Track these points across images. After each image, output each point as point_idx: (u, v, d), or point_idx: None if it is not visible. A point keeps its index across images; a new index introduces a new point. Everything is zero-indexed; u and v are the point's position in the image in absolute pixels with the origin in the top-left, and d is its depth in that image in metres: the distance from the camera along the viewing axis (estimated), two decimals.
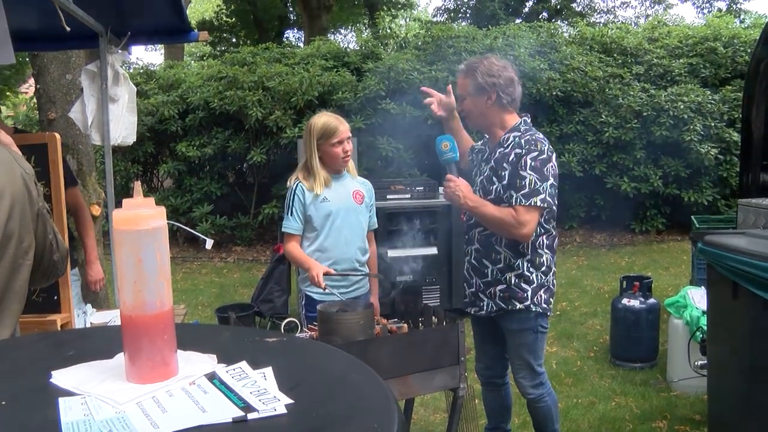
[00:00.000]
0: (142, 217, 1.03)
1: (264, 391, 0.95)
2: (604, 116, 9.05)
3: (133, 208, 1.05)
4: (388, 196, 6.01)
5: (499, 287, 2.83)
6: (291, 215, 3.17)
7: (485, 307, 2.88)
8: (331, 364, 1.10)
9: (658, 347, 4.62)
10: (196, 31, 3.69)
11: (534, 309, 2.81)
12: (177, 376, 1.02)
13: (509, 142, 2.82)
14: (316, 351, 1.20)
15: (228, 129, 9.40)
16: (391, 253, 6.03)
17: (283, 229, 3.18)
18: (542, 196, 2.68)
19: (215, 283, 7.78)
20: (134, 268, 1.01)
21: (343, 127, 3.14)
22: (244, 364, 1.05)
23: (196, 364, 1.07)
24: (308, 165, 3.22)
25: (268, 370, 1.03)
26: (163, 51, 21.15)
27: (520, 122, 2.88)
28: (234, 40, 23.68)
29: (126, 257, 1.02)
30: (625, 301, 4.58)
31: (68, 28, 2.49)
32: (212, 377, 1.02)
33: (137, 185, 1.10)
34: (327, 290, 2.87)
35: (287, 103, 8.95)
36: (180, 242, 9.52)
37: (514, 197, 2.69)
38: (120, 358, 1.08)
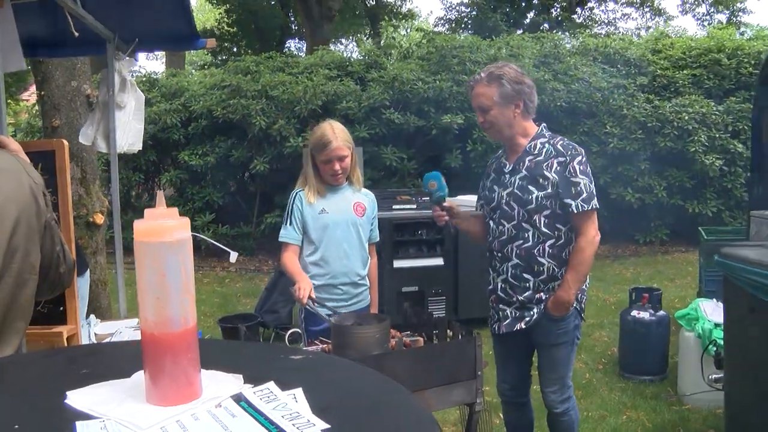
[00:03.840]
0: (166, 229, 0.98)
1: (297, 414, 0.90)
2: (608, 127, 9.01)
3: (156, 218, 1.00)
4: (394, 207, 5.96)
5: (546, 296, 2.76)
6: (289, 224, 3.11)
7: (531, 318, 2.79)
8: (362, 384, 1.04)
9: (668, 360, 4.55)
10: (203, 39, 3.65)
11: (577, 307, 2.80)
12: (202, 397, 0.97)
13: (539, 149, 2.76)
14: (345, 370, 1.14)
15: (231, 138, 9.35)
16: (397, 263, 5.99)
17: (280, 239, 3.12)
18: (595, 199, 2.72)
19: (217, 292, 7.71)
20: (157, 283, 0.96)
21: (336, 144, 3.00)
22: (272, 385, 1.00)
23: (221, 384, 1.01)
24: (305, 173, 3.17)
25: (299, 392, 0.97)
26: (164, 60, 21.18)
27: (541, 128, 2.83)
28: (235, 49, 23.69)
29: (148, 271, 0.96)
30: (634, 313, 4.51)
31: (77, 34, 2.44)
32: (239, 399, 0.96)
33: (160, 195, 1.05)
34: (308, 306, 2.79)
35: (291, 112, 8.91)
36: None
37: (574, 204, 2.66)
38: (138, 377, 1.02)
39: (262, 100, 9.11)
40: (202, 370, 1.02)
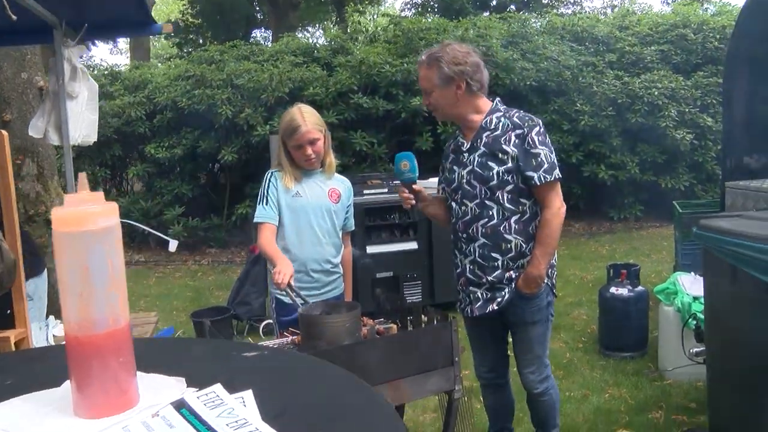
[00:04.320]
0: (89, 215, 0.85)
1: (243, 422, 0.78)
2: (578, 105, 8.96)
3: (77, 204, 0.87)
4: (365, 191, 5.83)
5: (516, 274, 2.69)
6: (266, 204, 2.98)
7: (503, 299, 2.71)
8: (321, 383, 0.93)
9: (648, 336, 4.51)
10: (159, 23, 3.48)
11: (548, 283, 2.74)
12: (137, 406, 0.85)
13: (495, 123, 2.69)
14: (303, 367, 1.02)
15: (197, 129, 9.13)
16: (370, 249, 5.88)
17: (256, 219, 2.98)
18: (557, 169, 2.65)
19: (190, 286, 7.54)
20: (79, 278, 0.83)
21: (305, 128, 2.90)
22: (218, 388, 0.88)
23: (160, 390, 0.89)
24: (278, 159, 3.06)
25: (248, 394, 0.86)
26: (129, 53, 20.71)
27: (495, 103, 2.76)
28: (201, 41, 23.33)
29: (69, 265, 0.83)
30: (613, 289, 4.46)
31: (14, 17, 2.27)
32: (180, 405, 0.84)
33: (82, 177, 0.91)
34: (285, 292, 2.67)
35: (257, 101, 8.71)
36: (152, 245, 9.25)
37: (536, 176, 2.60)
38: (68, 386, 0.89)
39: (228, 90, 8.90)
40: (139, 374, 0.90)
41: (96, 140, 3.40)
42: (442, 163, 2.95)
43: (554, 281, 2.83)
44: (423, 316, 2.52)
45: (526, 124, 2.65)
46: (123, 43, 25.12)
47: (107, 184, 10.09)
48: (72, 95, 3.08)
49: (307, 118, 2.95)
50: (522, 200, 2.67)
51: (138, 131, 9.25)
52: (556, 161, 2.67)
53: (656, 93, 8.93)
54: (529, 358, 2.84)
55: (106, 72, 10.38)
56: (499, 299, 2.73)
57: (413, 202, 2.83)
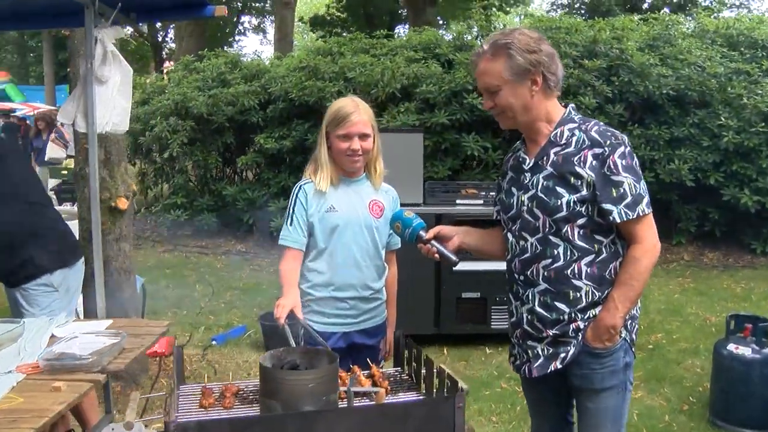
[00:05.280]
0: None
1: None
2: (723, 118, 7.88)
3: None
4: (457, 201, 5.33)
5: (585, 324, 2.16)
6: (290, 224, 2.58)
7: (567, 355, 2.17)
8: None
9: None
10: (211, 6, 3.15)
11: (626, 338, 2.18)
12: None
13: (567, 137, 2.15)
14: None
15: (308, 121, 8.98)
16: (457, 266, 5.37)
17: (280, 241, 2.59)
18: (646, 199, 2.11)
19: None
20: None
21: (357, 118, 2.49)
22: None
23: None
24: (316, 156, 2.63)
25: None
26: (273, 44, 21.20)
27: (569, 111, 2.22)
28: (345, 35, 23.71)
29: None
30: (731, 347, 3.67)
31: None
32: None
33: None
34: (285, 328, 2.24)
35: (368, 95, 8.38)
36: (256, 236, 9.22)
37: (616, 211, 2.07)
38: None
39: (339, 83, 8.67)
40: None
41: (127, 130, 3.14)
42: (498, 181, 2.43)
43: (634, 337, 2.23)
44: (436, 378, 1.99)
45: (608, 143, 2.09)
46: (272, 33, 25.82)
47: (218, 171, 10.19)
48: (101, 80, 2.84)
49: (361, 107, 2.55)
50: (598, 237, 2.13)
51: (251, 120, 9.23)
52: (644, 191, 2.11)
53: None
54: None
55: (227, 60, 10.47)
56: (562, 355, 2.18)
57: (435, 251, 2.31)
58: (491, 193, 5.41)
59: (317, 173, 2.62)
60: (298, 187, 2.63)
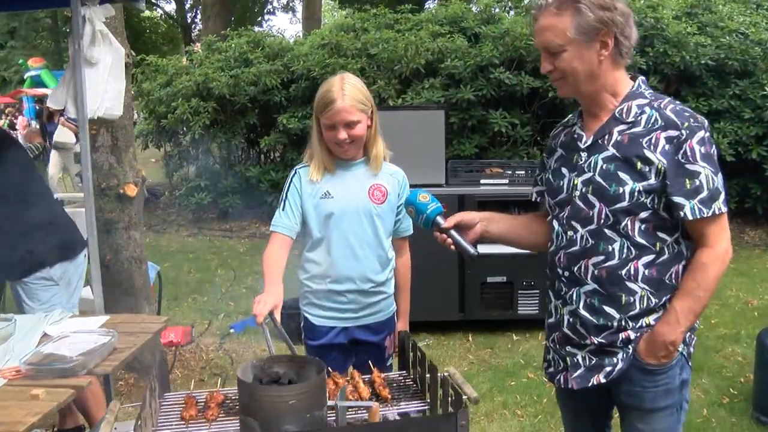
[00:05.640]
0: None
1: None
2: (767, 89, 7.45)
3: None
4: (481, 181, 5.09)
5: (636, 335, 1.87)
6: (283, 209, 2.40)
7: (614, 369, 1.89)
8: None
9: None
10: None
11: (683, 352, 1.90)
12: None
13: (636, 115, 1.85)
14: None
15: None
16: (482, 248, 5.14)
17: (270, 227, 2.40)
18: (723, 195, 1.82)
19: None
20: None
21: (341, 104, 2.25)
22: None
23: None
24: (311, 143, 2.45)
25: None
26: (301, 22, 20.91)
27: (638, 83, 1.90)
28: (369, 10, 23.27)
29: None
30: None
31: None
32: None
33: None
34: (262, 328, 2.05)
35: (391, 72, 8.15)
36: None
37: (689, 207, 1.77)
38: None
39: (362, 59, 8.42)
40: None
41: (121, 114, 2.97)
42: (542, 158, 2.14)
43: (692, 350, 1.94)
44: (450, 389, 1.79)
45: (686, 125, 1.79)
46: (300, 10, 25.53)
47: (241, 152, 10.06)
48: (91, 62, 2.67)
49: (347, 92, 2.29)
50: (661, 235, 1.84)
51: (274, 100, 9.05)
52: (722, 185, 1.81)
53: None
54: None
55: (249, 39, 10.27)
56: (608, 368, 1.90)
57: (451, 242, 2.03)
58: (518, 172, 5.17)
59: (312, 159, 2.43)
60: (293, 171, 2.45)
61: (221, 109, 9.31)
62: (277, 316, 2.08)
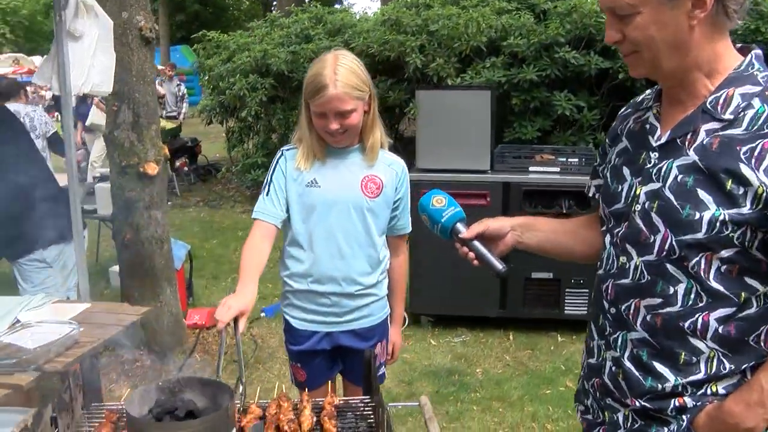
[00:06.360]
0: None
1: None
2: None
3: None
4: (530, 168, 4.70)
5: (695, 403, 1.41)
6: (267, 195, 2.16)
7: None
8: None
9: None
10: None
11: None
12: None
13: (736, 107, 1.32)
14: None
15: (390, 77, 8.48)
16: None
17: (253, 215, 2.16)
18: None
19: None
20: None
21: (333, 92, 1.99)
22: None
23: None
24: (300, 124, 2.19)
25: None
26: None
27: (749, 60, 1.35)
28: None
29: None
30: None
31: None
32: None
33: None
34: (221, 329, 1.81)
35: (450, 50, 7.77)
36: None
37: None
38: None
39: (422, 36, 8.06)
40: None
41: (111, 90, 2.78)
42: (605, 144, 1.65)
43: None
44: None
45: None
46: None
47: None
48: (75, 35, 2.48)
49: (340, 77, 2.01)
50: (750, 282, 1.34)
51: None
52: None
53: None
54: None
55: (311, 15, 10.08)
56: None
57: (473, 255, 1.64)
58: (571, 160, 4.75)
59: (301, 143, 2.17)
60: (280, 153, 2.21)
61: (280, 85, 9.17)
62: (242, 326, 1.84)
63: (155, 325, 4.07)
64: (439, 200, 1.68)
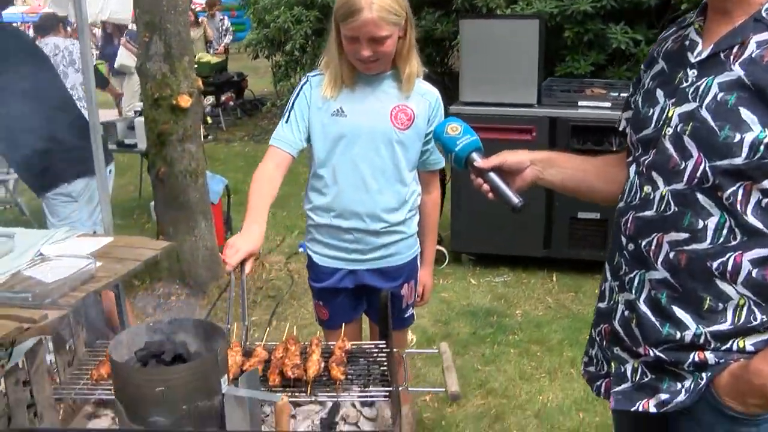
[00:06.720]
0: None
1: None
2: None
3: None
4: (579, 103, 4.45)
5: (717, 360, 1.27)
6: (286, 121, 2.05)
7: (674, 400, 1.31)
8: None
9: None
10: None
11: None
12: None
13: None
14: None
15: (439, 9, 8.17)
16: None
17: (271, 141, 2.05)
18: None
19: None
20: None
21: (368, 15, 1.82)
22: None
23: None
24: (328, 48, 2.04)
25: None
26: None
27: None
28: None
29: None
30: None
31: None
32: None
33: None
34: (230, 271, 1.73)
35: None
36: None
37: None
38: None
39: None
40: None
41: (130, 18, 2.67)
42: (640, 71, 1.50)
43: None
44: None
45: None
46: None
47: None
48: None
49: (376, 1, 1.83)
50: None
51: None
52: None
53: None
54: None
55: None
56: (664, 396, 1.32)
57: (488, 188, 1.53)
58: (623, 94, 4.46)
59: (328, 69, 2.03)
60: (305, 78, 2.08)
61: (325, 17, 8.94)
62: (248, 268, 1.76)
63: (190, 259, 4.06)
64: (453, 128, 1.57)
